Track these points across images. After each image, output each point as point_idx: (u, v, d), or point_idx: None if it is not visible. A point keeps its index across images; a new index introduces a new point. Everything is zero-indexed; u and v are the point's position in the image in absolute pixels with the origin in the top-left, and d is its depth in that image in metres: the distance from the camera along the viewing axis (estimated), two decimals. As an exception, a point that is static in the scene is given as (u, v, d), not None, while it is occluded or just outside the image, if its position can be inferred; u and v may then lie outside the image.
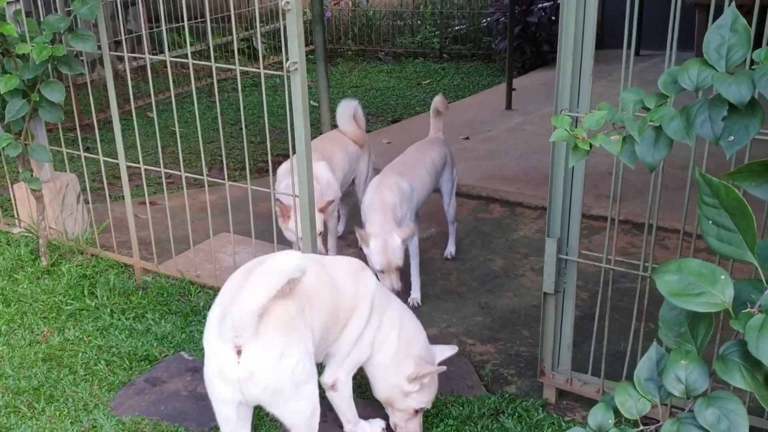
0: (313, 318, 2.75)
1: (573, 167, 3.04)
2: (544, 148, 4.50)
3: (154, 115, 4.36)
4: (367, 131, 7.97)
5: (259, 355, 2.51)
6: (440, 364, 3.18)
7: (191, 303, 4.14)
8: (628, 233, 4.93)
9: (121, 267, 4.51)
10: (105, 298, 4.16)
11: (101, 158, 4.43)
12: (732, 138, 1.60)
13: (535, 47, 10.09)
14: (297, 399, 2.64)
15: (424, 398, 3.12)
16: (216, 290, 4.19)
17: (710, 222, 1.39)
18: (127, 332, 3.89)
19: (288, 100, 3.54)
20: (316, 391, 2.72)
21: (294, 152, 3.62)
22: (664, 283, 1.35)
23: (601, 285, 3.15)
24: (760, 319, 1.27)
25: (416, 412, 3.12)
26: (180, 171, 4.18)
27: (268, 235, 4.29)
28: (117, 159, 4.34)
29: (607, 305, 3.14)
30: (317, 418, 2.77)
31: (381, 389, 3.12)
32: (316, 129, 3.57)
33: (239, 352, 2.50)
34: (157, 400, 3.42)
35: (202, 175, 4.05)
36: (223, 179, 4.03)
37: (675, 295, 1.34)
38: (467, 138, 7.08)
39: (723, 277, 1.33)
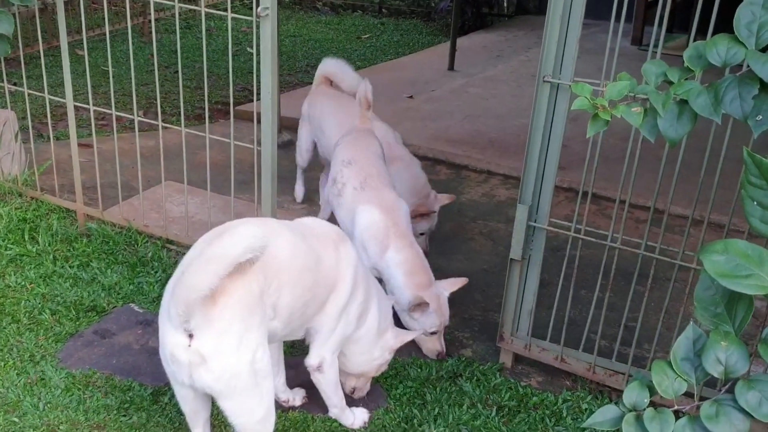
0: (284, 294, 2.53)
1: (549, 139, 3.03)
2: (489, 111, 4.50)
3: (85, 52, 4.09)
4: (308, 83, 7.81)
5: (214, 338, 2.31)
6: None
7: (138, 253, 3.98)
8: (572, 201, 5.01)
9: (63, 212, 4.28)
10: (47, 244, 3.95)
11: (47, 96, 4.15)
12: (761, 117, 1.60)
13: (475, 9, 10.06)
14: (252, 394, 2.43)
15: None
16: (164, 241, 4.05)
17: (755, 203, 1.39)
18: (71, 281, 3.71)
19: (256, 46, 3.38)
20: (273, 393, 2.53)
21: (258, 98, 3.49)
22: (712, 263, 1.35)
23: (568, 253, 3.19)
24: (809, 303, 1.28)
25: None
26: (133, 114, 3.96)
27: (217, 185, 4.13)
28: (62, 97, 4.07)
29: (573, 274, 3.18)
30: (270, 425, 2.54)
31: (359, 363, 3.01)
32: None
33: (191, 336, 2.30)
34: (108, 353, 3.28)
35: (144, 118, 3.86)
36: (173, 124, 3.85)
37: (722, 276, 1.34)
38: (411, 97, 7.03)
39: (770, 259, 1.33)
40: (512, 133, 5.85)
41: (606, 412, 1.45)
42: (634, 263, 3.11)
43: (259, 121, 3.54)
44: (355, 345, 2.96)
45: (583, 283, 3.35)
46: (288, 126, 6.00)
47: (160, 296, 3.62)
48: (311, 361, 2.86)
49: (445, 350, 3.44)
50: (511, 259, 3.25)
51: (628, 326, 3.25)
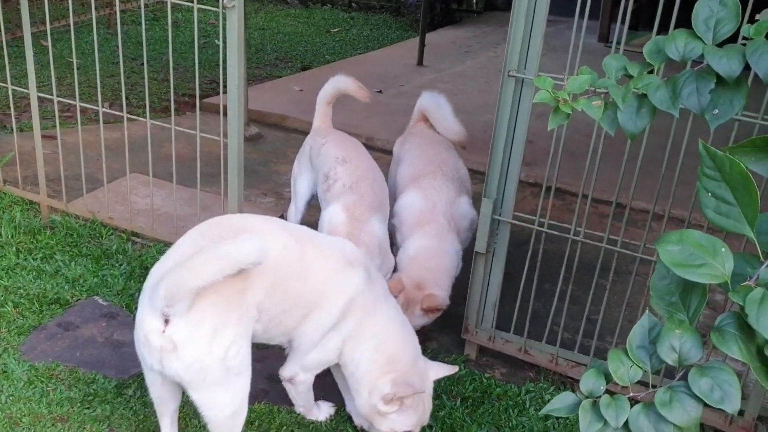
0: (266, 297, 2.51)
1: (514, 133, 3.06)
2: (457, 107, 4.55)
3: (49, 43, 4.03)
4: (276, 76, 7.83)
5: (188, 328, 2.30)
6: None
7: (103, 246, 3.94)
8: (538, 196, 5.06)
9: (27, 204, 4.23)
10: (9, 236, 3.89)
11: (9, 87, 4.09)
12: (717, 111, 1.63)
13: (444, 4, 10.09)
14: (223, 389, 2.42)
15: (407, 421, 2.73)
16: (128, 234, 4.02)
17: (709, 194, 1.42)
18: (34, 273, 3.66)
19: (222, 38, 3.37)
20: (246, 390, 2.51)
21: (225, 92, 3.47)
22: (667, 253, 1.38)
23: (531, 246, 3.23)
24: (760, 292, 1.32)
25: None
26: (98, 105, 3.92)
27: (183, 177, 4.10)
28: (25, 87, 4.01)
29: (537, 267, 3.22)
30: (240, 421, 2.53)
31: (359, 405, 2.79)
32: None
33: (167, 321, 2.30)
34: (72, 345, 3.25)
35: (109, 110, 3.82)
36: (140, 116, 3.82)
37: (677, 265, 1.37)
38: (380, 91, 7.03)
39: (723, 249, 1.37)
40: (480, 129, 5.88)
41: (563, 399, 1.48)
42: (597, 257, 3.16)
43: (225, 114, 3.52)
44: (350, 381, 2.79)
45: (547, 277, 3.39)
46: (256, 119, 5.99)
47: (125, 289, 3.62)
48: (284, 372, 2.82)
49: None
50: (476, 252, 3.28)
51: (590, 319, 3.30)
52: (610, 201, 3.12)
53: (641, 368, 1.42)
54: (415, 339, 2.84)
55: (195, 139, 3.68)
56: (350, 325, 2.68)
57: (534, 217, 3.19)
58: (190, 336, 2.32)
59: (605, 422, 1.40)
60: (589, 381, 1.45)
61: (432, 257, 3.38)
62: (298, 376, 2.80)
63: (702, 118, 1.82)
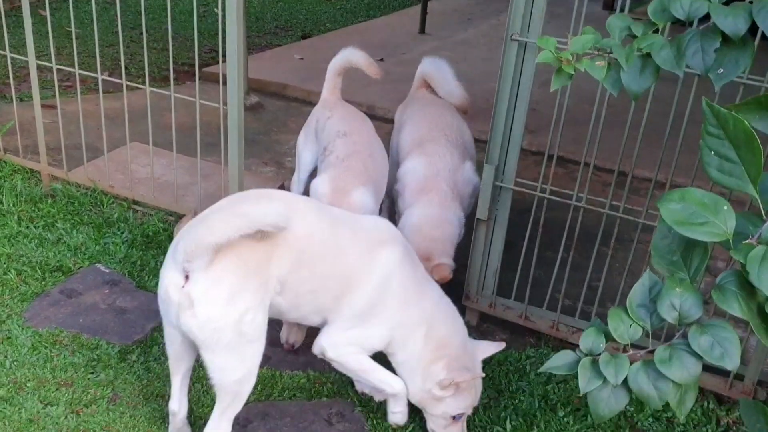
0: (291, 272, 2.51)
1: (516, 99, 3.04)
2: (460, 75, 4.51)
3: (47, 13, 4.00)
4: (277, 45, 7.77)
5: (205, 286, 2.34)
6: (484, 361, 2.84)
7: (104, 214, 3.94)
8: (541, 164, 5.05)
9: (28, 173, 4.22)
10: (11, 205, 3.89)
11: (8, 55, 4.06)
12: (722, 70, 1.62)
13: (447, -28, 9.97)
14: (234, 354, 2.43)
15: (461, 404, 2.72)
16: (129, 202, 4.03)
17: (712, 153, 1.41)
18: (36, 241, 3.67)
19: (222, 6, 3.34)
20: (257, 359, 2.52)
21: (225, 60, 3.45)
22: (668, 211, 1.37)
23: (533, 214, 3.22)
24: (761, 250, 1.32)
25: (454, 418, 2.75)
26: (96, 73, 3.89)
27: (183, 146, 4.09)
28: (24, 56, 3.98)
29: (538, 235, 3.22)
30: (247, 389, 2.54)
31: (411, 392, 2.76)
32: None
33: (187, 277, 2.34)
34: (75, 312, 3.27)
35: (108, 78, 3.80)
36: (140, 85, 3.80)
37: (679, 224, 1.36)
38: (381, 59, 6.97)
39: (725, 207, 1.36)
40: (482, 97, 5.84)
41: (563, 357, 1.49)
42: (598, 224, 3.16)
43: (225, 83, 3.50)
44: (400, 369, 2.77)
45: (549, 245, 3.39)
46: (256, 88, 5.96)
47: (126, 257, 3.63)
48: (314, 348, 2.76)
49: None
50: (477, 219, 3.28)
51: (591, 286, 3.30)
52: (613, 169, 3.10)
53: (641, 326, 1.42)
54: (461, 320, 2.83)
55: (195, 107, 3.67)
56: (391, 309, 2.64)
57: (536, 184, 3.18)
58: (207, 295, 2.35)
59: (604, 380, 1.40)
60: (589, 339, 1.45)
61: (436, 226, 3.35)
62: (325, 352, 2.71)
63: (706, 87, 1.81)
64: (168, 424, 2.73)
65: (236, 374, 2.48)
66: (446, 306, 2.80)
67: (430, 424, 2.81)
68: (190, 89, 4.85)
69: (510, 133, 3.10)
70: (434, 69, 4.12)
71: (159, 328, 3.23)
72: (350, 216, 2.77)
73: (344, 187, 3.27)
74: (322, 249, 2.57)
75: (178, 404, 2.68)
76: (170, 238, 3.78)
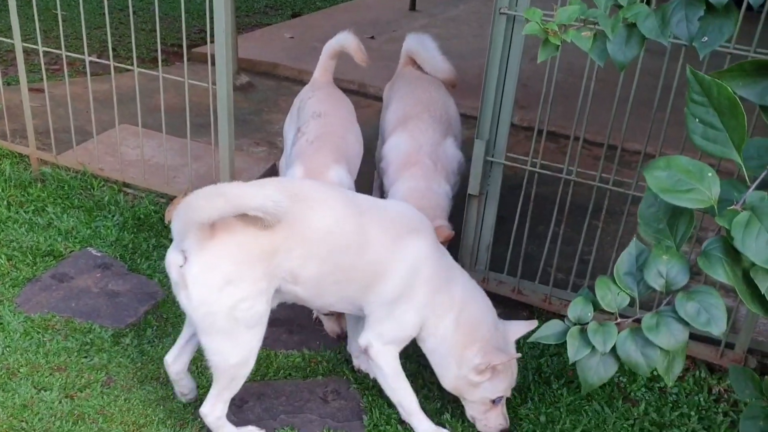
0: (310, 265, 2.49)
1: (506, 73, 3.03)
2: (451, 52, 4.48)
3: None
4: (266, 24, 7.72)
5: (200, 269, 2.35)
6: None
7: (94, 197, 3.92)
8: (531, 139, 5.04)
9: (16, 157, 4.19)
10: (0, 190, 3.87)
11: (-6, 36, 4.03)
12: (706, 38, 1.61)
13: (436, -52, 9.89)
14: (229, 339, 2.44)
15: (500, 386, 2.68)
16: (120, 185, 4.01)
17: (697, 120, 1.41)
18: (27, 226, 3.65)
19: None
20: (256, 345, 2.51)
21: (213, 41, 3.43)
22: (654, 178, 1.37)
23: (524, 189, 3.22)
24: (746, 216, 1.32)
25: (493, 402, 2.72)
26: (84, 55, 3.86)
27: (173, 128, 4.07)
28: (10, 39, 3.95)
29: (530, 209, 3.22)
30: (244, 373, 2.54)
31: (445, 379, 2.73)
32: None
33: (186, 258, 2.36)
34: (67, 296, 3.26)
35: (96, 59, 3.77)
36: (129, 66, 3.77)
37: (664, 191, 1.36)
38: (372, 37, 6.94)
39: (710, 174, 1.36)
40: (473, 74, 5.82)
41: (552, 327, 1.49)
42: (589, 198, 3.16)
43: (214, 63, 3.48)
44: (431, 356, 2.74)
45: (540, 219, 3.39)
46: (246, 68, 5.92)
47: (118, 240, 3.63)
48: (360, 340, 2.72)
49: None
50: (469, 194, 3.27)
51: (583, 259, 3.31)
52: (603, 143, 3.10)
53: (628, 295, 1.42)
54: (489, 302, 2.78)
55: (184, 88, 3.65)
56: (422, 295, 2.61)
57: (527, 158, 3.18)
58: (200, 278, 2.36)
59: (593, 348, 1.41)
60: (577, 308, 1.45)
61: (422, 197, 3.30)
62: (373, 347, 2.68)
63: (693, 59, 1.80)
64: (162, 406, 2.74)
65: (233, 358, 2.48)
66: (474, 290, 2.76)
67: (469, 411, 2.78)
68: (179, 70, 4.84)
69: (500, 107, 3.09)
70: (418, 45, 4.07)
71: (152, 311, 3.25)
72: (376, 204, 2.72)
73: (318, 168, 3.22)
74: (344, 241, 2.52)
75: (172, 357, 2.73)
76: (161, 221, 3.78)
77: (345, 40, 3.79)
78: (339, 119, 3.53)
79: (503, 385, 2.69)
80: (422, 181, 3.34)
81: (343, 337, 3.14)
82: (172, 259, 2.39)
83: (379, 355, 2.69)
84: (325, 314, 3.06)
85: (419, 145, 3.46)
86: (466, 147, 5.03)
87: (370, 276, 2.57)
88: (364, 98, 5.71)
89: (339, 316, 3.09)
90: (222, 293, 2.37)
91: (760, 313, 1.39)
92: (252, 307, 2.42)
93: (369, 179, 3.93)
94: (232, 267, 2.37)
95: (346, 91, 5.91)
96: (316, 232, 2.47)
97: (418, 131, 3.52)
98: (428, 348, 2.72)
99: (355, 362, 3.05)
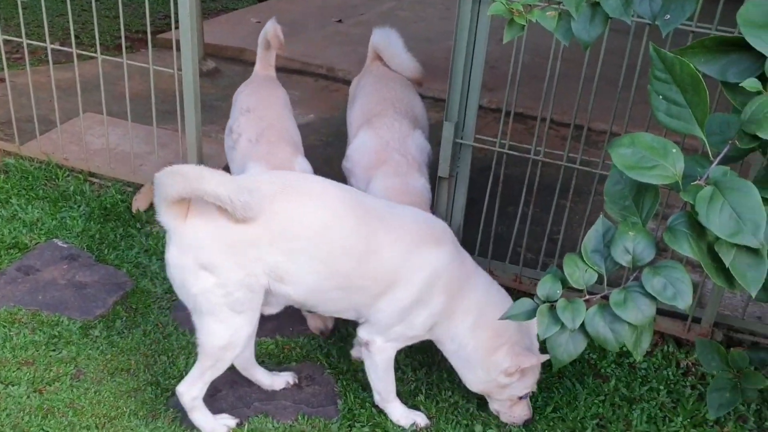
0: (297, 263, 2.44)
1: (473, 55, 3.03)
2: (418, 35, 4.47)
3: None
4: (233, 9, 7.62)
5: (177, 252, 2.41)
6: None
7: (59, 188, 3.86)
8: (499, 121, 5.05)
9: (-23, 148, 4.12)
10: (-39, 182, 3.80)
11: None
12: (668, 16, 1.62)
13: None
14: (216, 321, 2.46)
15: (527, 383, 2.68)
16: (86, 174, 3.95)
17: (660, 97, 1.42)
18: (-10, 218, 3.59)
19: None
20: (244, 331, 2.51)
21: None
22: (619, 156, 1.38)
23: (493, 170, 3.24)
24: (709, 190, 1.33)
25: (520, 398, 2.73)
26: (45, 42, 3.79)
27: (139, 115, 4.01)
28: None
29: (499, 191, 3.23)
30: (229, 357, 2.55)
31: (472, 383, 2.72)
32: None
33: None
34: (33, 289, 3.21)
35: (59, 47, 3.70)
36: (92, 53, 3.71)
37: (629, 168, 1.37)
38: (340, 21, 6.91)
39: (674, 150, 1.37)
40: (441, 57, 5.80)
41: (521, 305, 1.50)
42: (557, 178, 3.18)
43: (179, 49, 3.44)
44: (455, 361, 2.72)
45: (510, 200, 3.41)
46: (212, 54, 5.85)
47: (84, 230, 3.58)
48: (362, 334, 2.68)
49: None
50: (439, 176, 3.28)
51: (552, 238, 3.34)
52: (571, 123, 3.12)
53: (596, 271, 1.43)
54: (511, 302, 2.67)
55: (149, 75, 3.60)
56: (438, 302, 2.58)
57: (495, 140, 3.19)
58: (175, 260, 2.43)
59: (562, 325, 1.42)
60: (546, 286, 1.46)
61: (404, 194, 3.16)
62: (375, 343, 2.65)
63: (657, 38, 1.81)
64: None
65: (220, 341, 2.49)
66: (497, 293, 2.72)
67: (494, 406, 2.78)
68: (145, 56, 4.76)
69: (468, 89, 3.09)
70: (384, 41, 3.89)
71: (121, 302, 3.22)
72: (392, 210, 2.64)
73: (283, 165, 3.13)
74: (343, 243, 2.47)
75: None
76: (129, 210, 3.74)
77: (266, 28, 3.63)
78: (271, 112, 3.37)
79: (530, 381, 2.69)
80: (397, 178, 3.21)
81: (328, 335, 3.10)
82: (168, 232, 2.47)
83: (380, 352, 2.67)
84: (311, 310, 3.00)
85: (386, 142, 3.33)
86: (436, 130, 5.04)
87: (383, 285, 2.52)
88: (333, 82, 5.68)
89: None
90: (197, 277, 2.41)
91: (725, 286, 1.41)
92: (230, 294, 2.42)
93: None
94: (203, 253, 2.39)
95: (315, 75, 5.90)
96: (306, 229, 2.44)
97: (384, 128, 3.38)
98: (447, 350, 2.71)
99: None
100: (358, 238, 2.48)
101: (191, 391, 2.59)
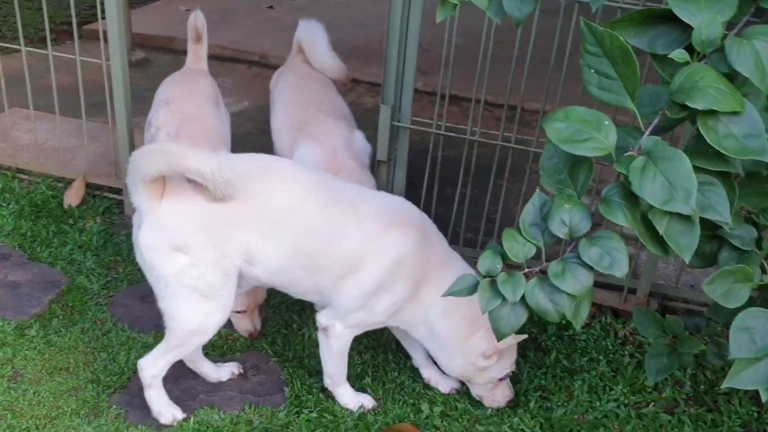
0: (267, 244, 2.44)
1: (406, 37, 3.03)
2: (351, 19, 4.45)
3: None
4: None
5: (146, 233, 2.39)
6: None
7: (-14, 186, 3.73)
8: (434, 104, 5.09)
9: None
10: None
11: None
12: (596, -10, 1.64)
13: None
14: (183, 304, 2.45)
15: (506, 365, 2.70)
16: (14, 171, 3.84)
17: (592, 71, 1.45)
18: None
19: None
20: (215, 318, 2.50)
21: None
22: (553, 130, 1.41)
23: (430, 153, 3.26)
24: (641, 161, 1.37)
25: (500, 379, 2.75)
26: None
27: (67, 109, 3.90)
28: None
29: (437, 173, 3.26)
30: (196, 342, 2.55)
31: (451, 368, 2.73)
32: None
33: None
34: (-37, 290, 3.11)
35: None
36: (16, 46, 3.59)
37: (563, 141, 1.40)
38: (271, 7, 6.84)
39: (607, 123, 1.40)
40: (375, 40, 5.81)
41: (463, 281, 1.52)
42: (493, 158, 3.22)
43: (106, 39, 3.35)
44: (431, 345, 2.71)
45: (448, 182, 3.44)
46: (141, 44, 5.72)
47: (15, 229, 3.48)
48: (321, 319, 2.65)
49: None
50: (378, 160, 3.29)
51: (490, 218, 3.39)
52: (504, 104, 3.17)
53: (534, 245, 1.46)
54: None
55: (76, 67, 3.50)
56: (402, 290, 2.55)
57: (432, 122, 3.22)
58: (149, 242, 2.40)
59: (503, 298, 1.44)
60: (486, 261, 1.48)
61: None
62: (334, 328, 2.63)
63: (587, 16, 1.84)
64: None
65: (189, 325, 2.50)
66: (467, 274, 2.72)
67: (476, 391, 2.79)
68: (71, 49, 4.63)
69: (403, 72, 3.10)
70: (307, 37, 3.70)
71: (57, 300, 3.14)
72: (363, 195, 2.64)
73: None
74: (308, 224, 2.47)
75: None
76: (60, 206, 3.64)
77: (189, 19, 3.49)
78: (192, 103, 3.23)
79: (509, 362, 2.72)
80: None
81: (256, 336, 3.04)
82: (135, 221, 2.45)
83: (338, 337, 2.65)
84: (237, 311, 2.94)
85: (332, 149, 3.15)
86: (373, 115, 5.03)
87: (346, 266, 2.51)
88: (267, 69, 5.60)
89: (252, 313, 3.00)
90: (171, 258, 2.39)
91: (660, 254, 1.45)
92: (202, 275, 2.42)
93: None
94: (177, 233, 2.39)
95: (248, 63, 5.82)
96: (278, 211, 2.44)
97: (324, 135, 3.20)
98: (420, 336, 2.70)
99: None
100: (324, 219, 2.49)
101: (151, 368, 2.59)
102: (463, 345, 2.62)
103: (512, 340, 2.61)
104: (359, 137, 3.34)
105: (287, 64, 3.78)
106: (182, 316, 2.48)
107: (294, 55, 3.77)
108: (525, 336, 2.67)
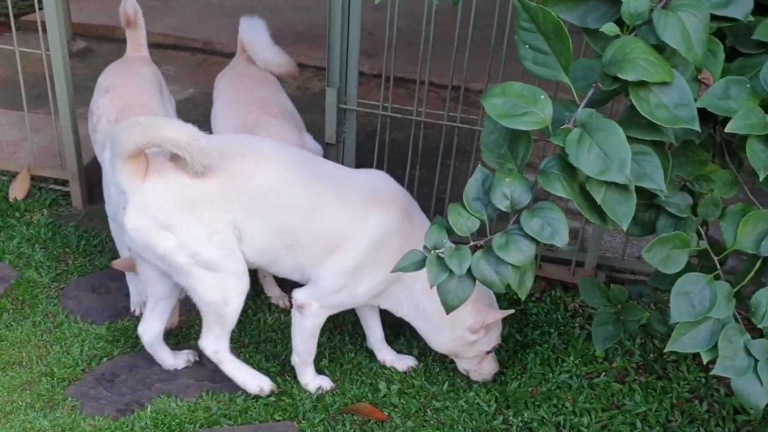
0: (253, 222, 2.47)
1: (348, 20, 3.05)
2: (294, 3, 4.43)
3: None
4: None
5: (133, 214, 2.39)
6: None
7: (-74, 182, 3.65)
8: (380, 86, 5.11)
9: None
10: None
11: None
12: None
13: None
14: (195, 279, 2.48)
15: (492, 338, 2.74)
16: (-45, 166, 3.75)
17: (527, 46, 1.49)
18: None
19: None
20: (230, 287, 2.52)
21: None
22: (491, 106, 1.44)
23: (378, 135, 3.29)
24: (577, 132, 1.41)
25: (487, 353, 2.79)
26: None
27: (8, 101, 3.83)
28: None
29: (386, 155, 3.29)
30: (230, 312, 2.57)
31: (438, 344, 2.77)
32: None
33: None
34: None
35: None
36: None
37: (501, 116, 1.43)
38: (214, -6, 6.74)
39: (543, 97, 1.44)
40: (320, 25, 5.77)
41: (411, 256, 1.55)
42: (440, 139, 3.26)
43: (45, 30, 3.29)
44: (417, 322, 2.74)
45: (397, 163, 3.46)
46: (82, 33, 5.62)
47: (-39, 226, 3.40)
48: (298, 296, 2.64)
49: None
50: (327, 143, 3.30)
51: (439, 198, 3.43)
52: (453, 85, 3.21)
53: (478, 218, 1.50)
54: None
55: (15, 59, 3.43)
56: (385, 268, 2.51)
57: (378, 103, 3.25)
58: (135, 223, 2.40)
59: (450, 272, 1.48)
60: (433, 236, 1.52)
61: None
62: (310, 307, 2.63)
63: None
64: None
65: (207, 296, 2.52)
66: None
67: (462, 365, 2.82)
68: (9, 40, 4.54)
69: (347, 54, 3.12)
70: (249, 34, 3.51)
71: (6, 295, 3.10)
72: (344, 173, 2.67)
73: None
74: (288, 202, 2.48)
75: (143, 327, 2.74)
76: (6, 199, 3.57)
77: (121, 6, 3.30)
78: (132, 89, 3.11)
79: (495, 335, 2.76)
80: None
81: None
82: (120, 203, 2.48)
83: (313, 317, 2.65)
84: None
85: None
86: (320, 98, 5.03)
87: (326, 244, 2.52)
88: (211, 55, 5.58)
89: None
90: (160, 238, 2.40)
91: (599, 223, 1.50)
92: (197, 254, 2.44)
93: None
94: (161, 212, 2.39)
95: (191, 50, 5.76)
96: (260, 189, 2.47)
97: (276, 138, 2.97)
98: (405, 312, 2.72)
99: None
100: (305, 197, 2.50)
101: (210, 345, 2.65)
102: (450, 320, 2.61)
103: (499, 315, 2.68)
104: (309, 138, 3.28)
105: (230, 64, 3.61)
106: (195, 290, 2.52)
107: (239, 55, 3.59)
108: (512, 311, 2.74)
